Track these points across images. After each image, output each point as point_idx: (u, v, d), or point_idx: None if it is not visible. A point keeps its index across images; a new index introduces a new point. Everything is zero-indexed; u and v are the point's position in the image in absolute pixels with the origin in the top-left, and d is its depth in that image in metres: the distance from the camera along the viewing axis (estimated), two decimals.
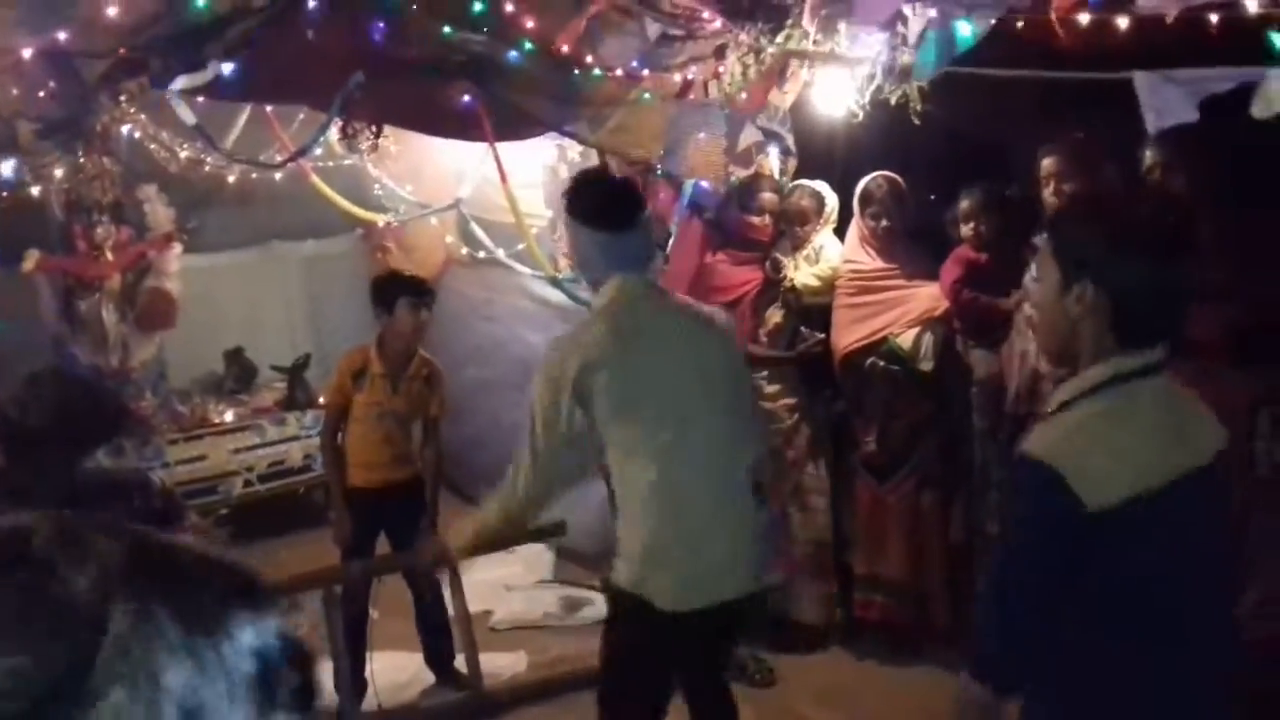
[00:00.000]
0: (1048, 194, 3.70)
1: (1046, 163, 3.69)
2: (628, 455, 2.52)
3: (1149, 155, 3.41)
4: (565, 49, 3.83)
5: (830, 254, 4.41)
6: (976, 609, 1.77)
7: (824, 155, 4.54)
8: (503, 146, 4.32)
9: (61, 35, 3.02)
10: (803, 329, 4.34)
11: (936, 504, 4.19)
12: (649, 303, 2.61)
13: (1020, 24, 3.01)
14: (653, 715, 2.66)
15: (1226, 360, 3.24)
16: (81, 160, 4.01)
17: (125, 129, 4.53)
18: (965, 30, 3.20)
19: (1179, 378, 3.22)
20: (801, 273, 4.37)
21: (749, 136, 4.36)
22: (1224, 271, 3.25)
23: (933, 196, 4.50)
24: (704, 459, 2.52)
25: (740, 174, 4.40)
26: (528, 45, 3.73)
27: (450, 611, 4.16)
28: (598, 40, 3.89)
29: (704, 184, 4.47)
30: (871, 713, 3.77)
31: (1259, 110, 1.84)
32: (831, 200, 4.46)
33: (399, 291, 3.97)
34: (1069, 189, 3.64)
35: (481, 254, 5.66)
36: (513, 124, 4.04)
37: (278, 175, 5.65)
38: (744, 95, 4.29)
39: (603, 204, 2.60)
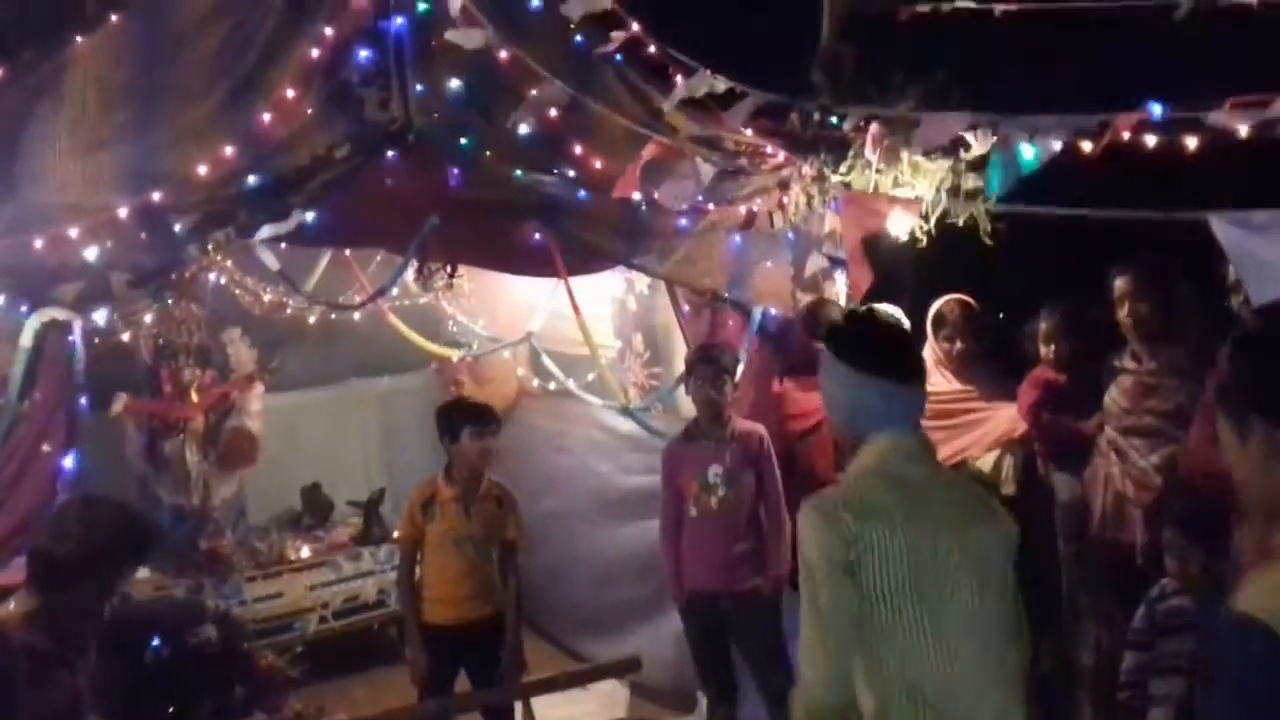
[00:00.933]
0: (1122, 315, 3.65)
1: (1120, 283, 3.65)
2: (881, 639, 2.07)
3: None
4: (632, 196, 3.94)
5: None
6: None
7: (890, 279, 4.55)
8: (573, 280, 4.42)
9: (155, 195, 3.18)
10: None
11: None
12: (926, 465, 2.20)
13: (1086, 146, 3.01)
14: None
15: None
16: (170, 307, 4.17)
17: (211, 275, 4.74)
18: (1029, 153, 3.23)
19: None
20: None
21: (815, 264, 4.39)
22: None
23: (1001, 315, 4.46)
24: (970, 652, 2.09)
25: (807, 301, 4.42)
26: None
27: None
28: (652, 183, 3.99)
29: (773, 311, 4.49)
30: None
31: None
32: (904, 325, 4.43)
33: (464, 421, 4.01)
34: (1143, 309, 3.59)
35: (552, 385, 5.71)
36: (582, 258, 4.14)
37: (356, 315, 5.83)
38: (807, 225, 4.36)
39: (890, 351, 2.24)
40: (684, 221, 4.10)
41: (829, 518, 2.07)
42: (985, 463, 4.05)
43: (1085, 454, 3.80)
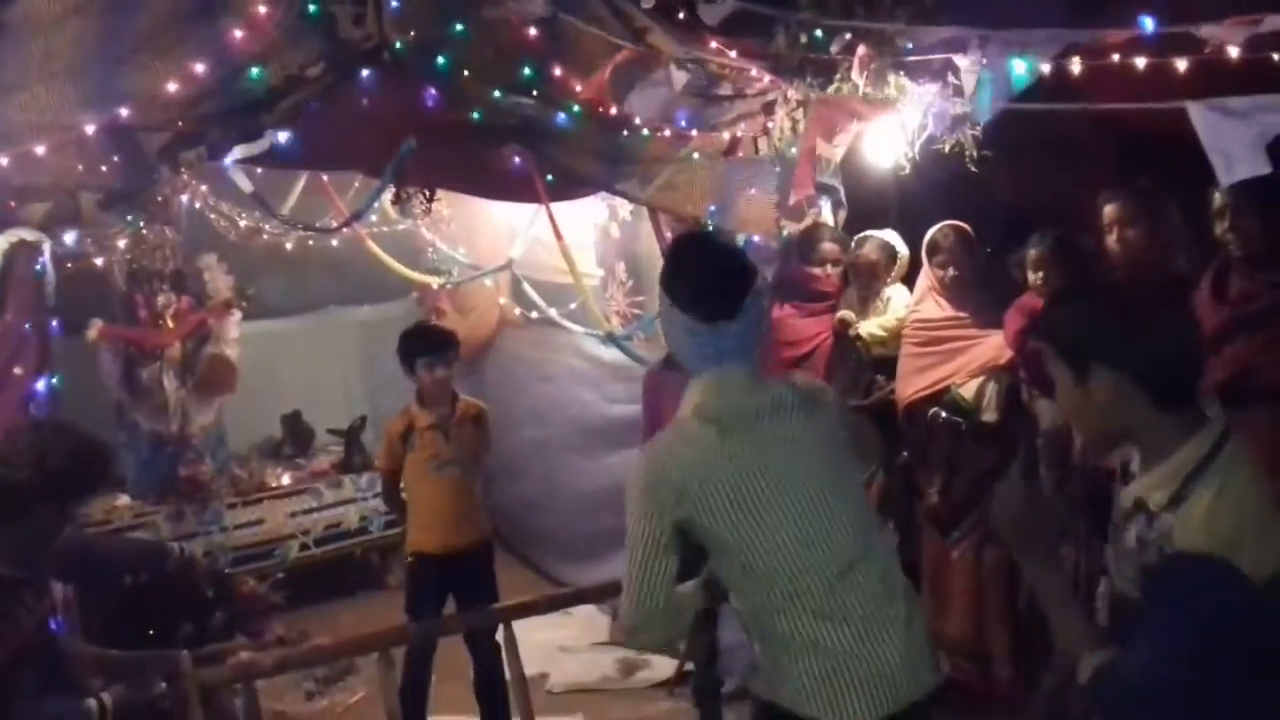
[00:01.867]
0: (1111, 241, 3.61)
1: (1109, 209, 3.60)
2: (757, 573, 2.11)
3: (1218, 197, 3.31)
4: (612, 111, 3.85)
5: (897, 305, 4.40)
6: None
7: (877, 208, 4.51)
8: (554, 206, 4.35)
9: (123, 111, 3.09)
10: (879, 377, 4.31)
11: (1001, 561, 4.05)
12: (754, 396, 2.17)
13: (1076, 62, 2.94)
14: None
15: None
16: (143, 231, 4.09)
17: (185, 199, 4.64)
18: (1020, 68, 3.15)
19: (1256, 419, 3.16)
20: (867, 323, 4.37)
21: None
22: None
23: (989, 250, 4.42)
24: (850, 557, 2.13)
25: (791, 228, 4.37)
26: (575, 108, 3.76)
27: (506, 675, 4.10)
28: (622, 91, 3.90)
29: (756, 239, 4.45)
30: None
31: None
32: (903, 251, 4.42)
33: (416, 351, 3.97)
34: (1132, 235, 3.55)
35: (535, 314, 5.67)
36: (564, 184, 4.07)
37: (334, 241, 5.76)
38: (793, 151, 4.29)
39: (702, 286, 2.14)
40: (666, 146, 4.03)
41: (658, 465, 2.10)
42: (969, 389, 4.04)
43: None
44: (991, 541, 4.04)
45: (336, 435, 6.28)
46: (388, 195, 4.21)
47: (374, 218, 5.79)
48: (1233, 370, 3.23)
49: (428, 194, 4.07)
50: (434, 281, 5.87)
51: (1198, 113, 2.55)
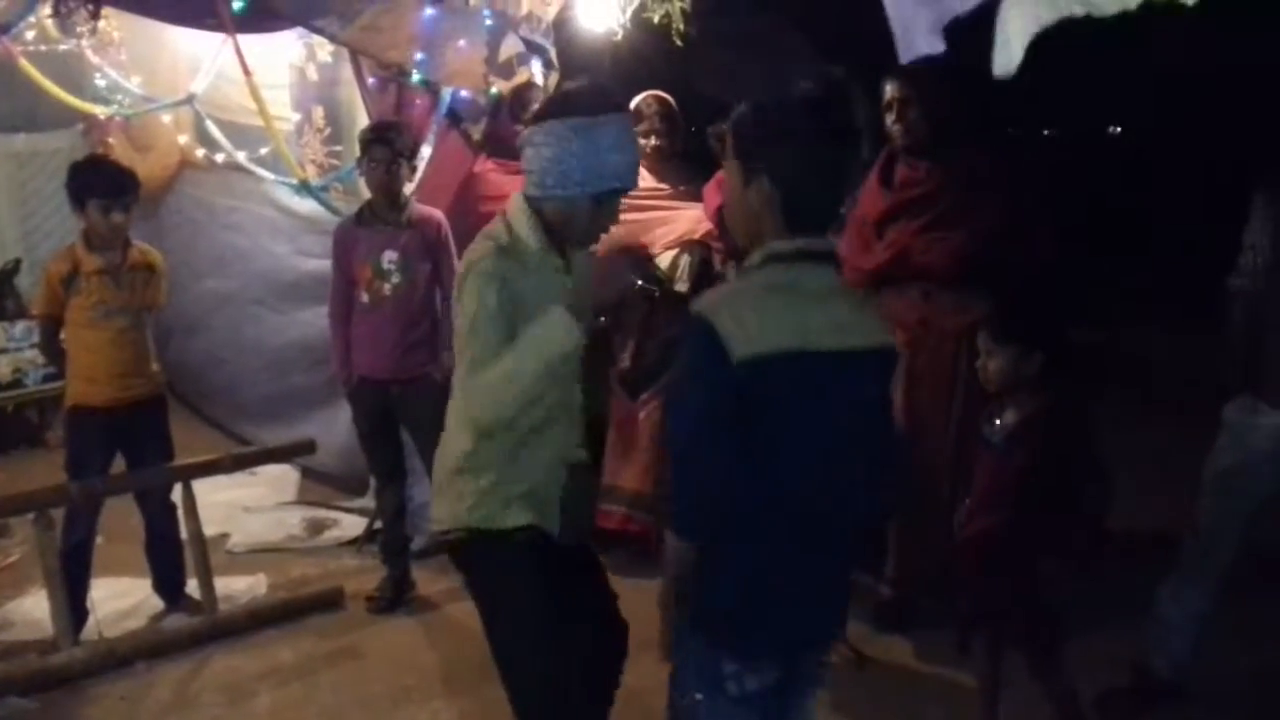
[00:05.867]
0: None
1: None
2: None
3: (888, 90, 3.53)
4: None
5: None
6: (671, 469, 1.82)
7: (586, 72, 4.49)
8: (245, 42, 4.00)
9: None
10: None
11: None
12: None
13: None
14: None
15: (952, 284, 3.47)
16: None
17: None
18: None
19: (906, 297, 3.48)
20: None
21: (511, 46, 4.24)
22: (949, 202, 3.47)
23: (691, 127, 4.53)
24: None
25: (501, 85, 4.29)
26: None
27: (183, 535, 3.92)
28: None
29: (464, 93, 4.33)
30: None
31: (1000, 64, 1.85)
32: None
33: (89, 190, 3.54)
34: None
35: (221, 157, 5.26)
36: (254, 14, 3.75)
37: None
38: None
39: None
40: None
41: (490, 270, 2.22)
42: (663, 260, 4.18)
43: None
44: None
45: None
46: (45, 8, 3.70)
47: (31, 35, 5.13)
48: (892, 252, 3.53)
49: (92, 8, 3.61)
50: (101, 111, 5.28)
51: None
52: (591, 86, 2.28)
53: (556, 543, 2.36)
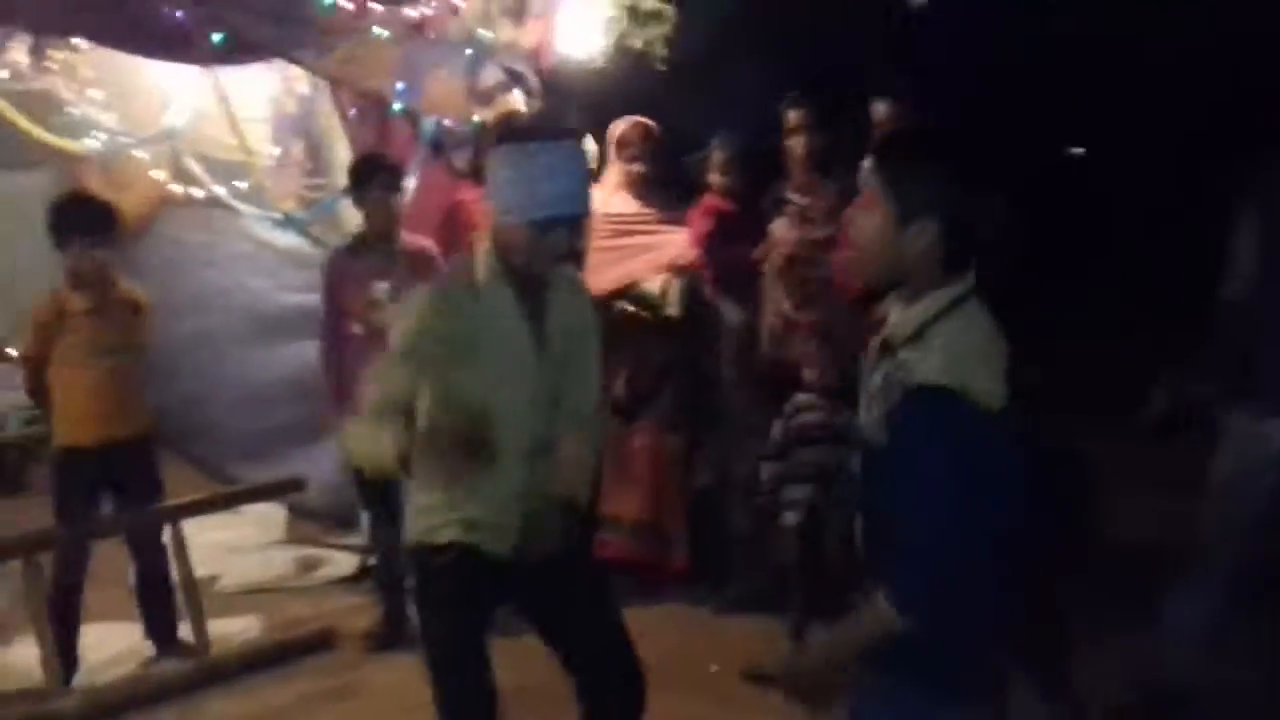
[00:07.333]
0: (792, 144, 3.75)
1: (793, 114, 3.75)
2: None
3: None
4: None
5: None
6: (899, 545, 1.65)
7: (569, 98, 4.48)
8: (223, 76, 3.98)
9: None
10: None
11: (681, 448, 4.27)
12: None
13: None
14: None
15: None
16: None
17: None
18: None
19: None
20: None
21: (491, 76, 4.24)
22: None
23: (679, 156, 4.53)
24: None
25: (483, 114, 4.27)
26: None
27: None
28: None
29: (446, 122, 4.31)
30: None
31: None
32: (590, 148, 4.42)
33: (71, 229, 3.47)
34: (817, 141, 3.72)
35: (200, 193, 5.21)
36: (233, 47, 3.72)
37: None
38: (483, 32, 4.17)
39: None
40: (349, 18, 3.77)
41: (413, 312, 2.28)
42: (653, 285, 4.17)
43: (753, 281, 3.98)
44: (672, 429, 4.24)
45: None
46: (20, 48, 3.66)
47: (5, 75, 5.06)
48: None
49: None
50: (77, 148, 5.21)
51: None
52: (540, 114, 2.30)
53: (511, 561, 2.35)
